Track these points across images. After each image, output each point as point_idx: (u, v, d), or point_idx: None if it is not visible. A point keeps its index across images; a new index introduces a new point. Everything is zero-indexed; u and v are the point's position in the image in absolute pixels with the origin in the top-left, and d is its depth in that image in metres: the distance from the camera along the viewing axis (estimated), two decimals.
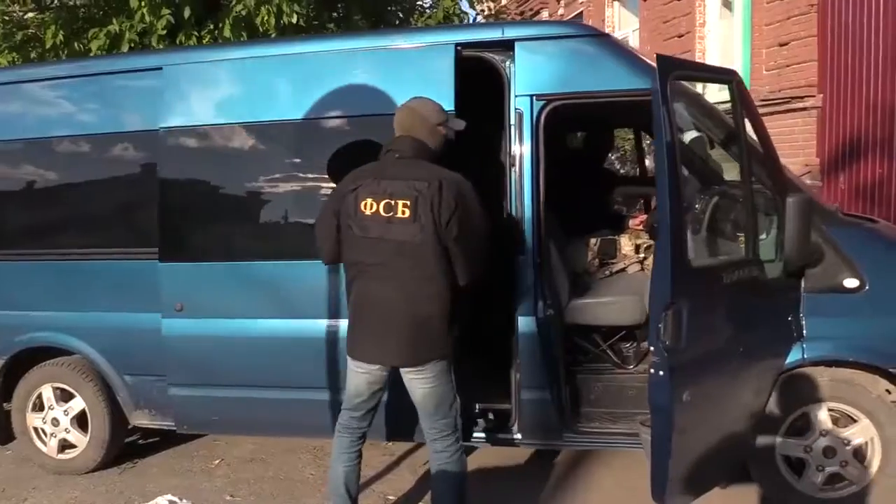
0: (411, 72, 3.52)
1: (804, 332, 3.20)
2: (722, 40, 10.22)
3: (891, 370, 3.17)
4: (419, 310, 2.89)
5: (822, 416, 3.23)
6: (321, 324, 3.58)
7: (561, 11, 15.65)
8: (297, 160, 3.69)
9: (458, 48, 3.49)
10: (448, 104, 3.27)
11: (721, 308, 2.93)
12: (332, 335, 3.54)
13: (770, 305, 3.17)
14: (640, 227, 4.38)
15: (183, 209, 3.83)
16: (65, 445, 4.25)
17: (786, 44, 8.51)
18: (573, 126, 5.05)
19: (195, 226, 3.83)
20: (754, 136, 3.24)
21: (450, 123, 3.11)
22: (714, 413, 2.92)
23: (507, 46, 3.50)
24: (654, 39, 11.49)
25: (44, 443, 4.26)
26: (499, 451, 3.94)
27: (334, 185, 3.25)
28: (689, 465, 2.82)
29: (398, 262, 2.89)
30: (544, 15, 16.37)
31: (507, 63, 3.49)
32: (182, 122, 3.77)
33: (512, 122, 3.46)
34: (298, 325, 3.62)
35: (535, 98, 3.42)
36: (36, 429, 4.25)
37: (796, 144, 8.31)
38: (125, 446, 4.38)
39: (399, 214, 2.85)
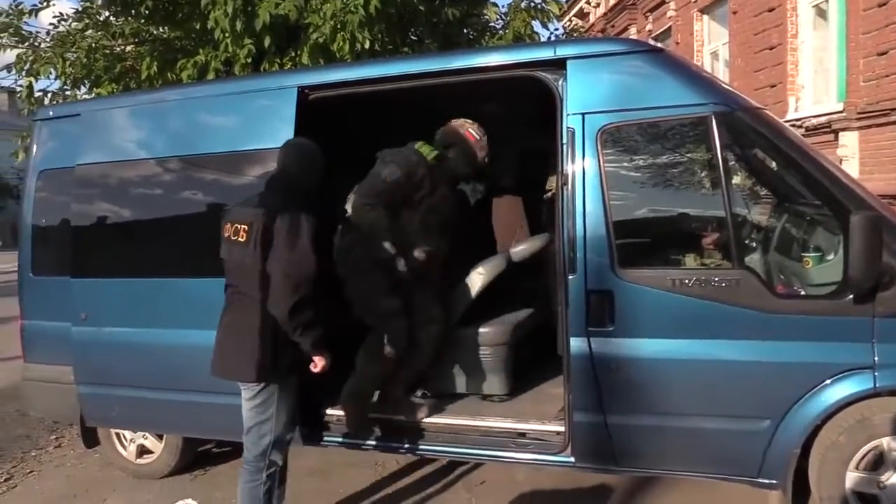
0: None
1: (875, 358, 3.00)
2: (816, 51, 9.78)
3: None
4: (240, 328, 3.16)
5: None
6: (194, 333, 3.73)
7: (649, 27, 15.37)
8: (176, 194, 4.14)
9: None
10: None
11: None
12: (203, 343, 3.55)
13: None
14: (712, 247, 4.24)
15: (87, 233, 4.29)
16: (143, 451, 4.50)
17: (884, 53, 8.05)
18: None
19: (94, 247, 4.29)
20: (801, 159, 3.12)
21: None
22: None
23: (559, 65, 3.48)
24: (745, 52, 11.11)
25: (124, 447, 4.53)
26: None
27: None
28: None
29: (235, 282, 3.22)
30: (632, 31, 16.11)
31: (560, 82, 3.47)
32: (88, 159, 4.30)
33: (564, 140, 3.43)
34: (179, 334, 3.94)
35: (586, 116, 3.39)
36: (117, 434, 4.52)
37: None
38: (200, 454, 4.59)
39: (239, 238, 3.15)
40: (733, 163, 3.32)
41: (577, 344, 3.32)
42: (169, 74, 6.64)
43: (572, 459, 3.45)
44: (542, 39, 7.65)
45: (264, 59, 6.48)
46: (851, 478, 3.07)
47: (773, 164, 3.34)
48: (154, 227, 4.22)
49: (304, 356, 3.19)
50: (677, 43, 13.69)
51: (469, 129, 4.02)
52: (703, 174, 3.36)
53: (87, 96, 7.03)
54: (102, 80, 6.74)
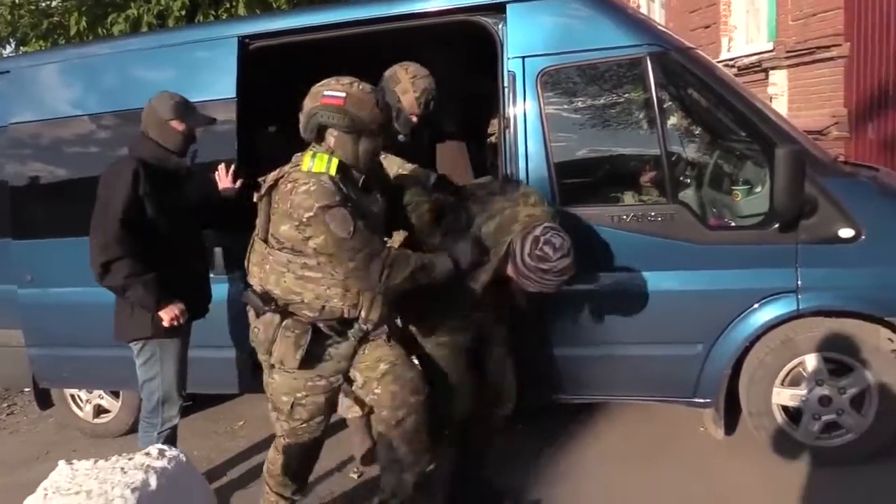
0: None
1: (799, 282, 3.22)
2: None
3: (888, 319, 3.18)
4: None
5: (819, 365, 3.26)
6: None
7: None
8: (113, 151, 3.91)
9: None
10: None
11: None
12: None
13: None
14: (649, 184, 4.40)
15: (25, 194, 4.24)
16: (100, 410, 4.51)
17: None
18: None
19: (34, 208, 4.24)
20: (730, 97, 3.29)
21: (187, 119, 3.28)
22: None
23: (500, 10, 3.53)
24: None
25: (80, 408, 4.53)
26: None
27: None
28: None
29: None
30: None
31: (501, 26, 3.53)
32: (21, 118, 4.18)
33: (505, 84, 3.50)
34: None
35: (526, 59, 3.46)
36: (73, 395, 4.53)
37: (824, 95, 8.14)
38: None
39: None
40: (668, 102, 3.46)
41: None
42: (100, 30, 6.45)
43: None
44: None
45: (199, 11, 6.34)
46: (777, 393, 3.32)
47: (705, 103, 3.48)
48: (92, 186, 4.14)
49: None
50: None
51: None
52: (639, 114, 3.49)
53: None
54: (29, 37, 6.52)
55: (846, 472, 3.24)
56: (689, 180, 3.53)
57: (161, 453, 1.71)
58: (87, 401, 4.50)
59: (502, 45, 3.50)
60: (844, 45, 7.81)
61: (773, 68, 8.84)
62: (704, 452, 3.57)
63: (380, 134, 2.69)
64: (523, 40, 3.44)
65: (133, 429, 4.43)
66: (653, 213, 3.30)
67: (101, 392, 4.47)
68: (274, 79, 4.12)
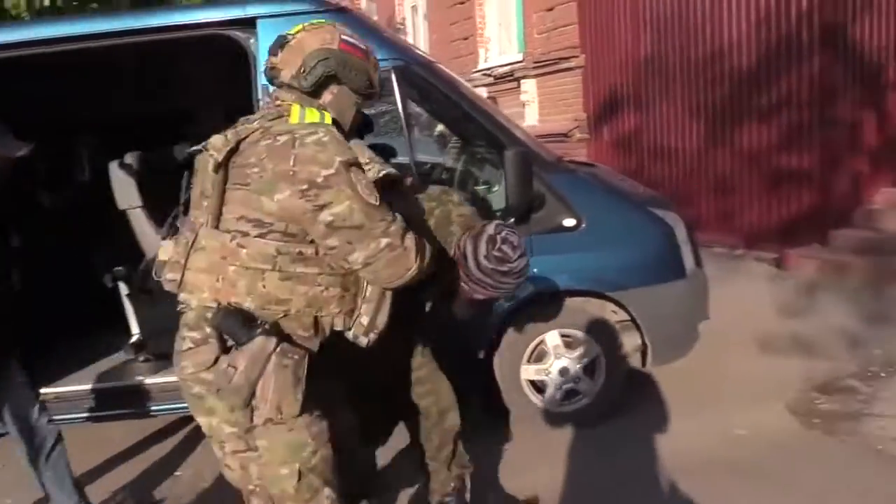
0: None
1: (535, 269, 3.64)
2: (500, 6, 10.83)
3: (608, 294, 3.71)
4: None
5: (556, 340, 3.72)
6: None
7: None
8: None
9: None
10: None
11: None
12: None
13: None
14: None
15: None
16: None
17: (552, 8, 9.20)
18: None
19: None
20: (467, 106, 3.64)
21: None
22: None
23: (251, 24, 3.61)
24: (440, 6, 11.93)
25: None
26: None
27: None
28: None
29: None
30: None
31: (252, 40, 3.61)
32: None
33: (259, 97, 3.59)
34: None
35: None
36: None
37: (567, 102, 9.09)
38: None
39: None
40: (414, 111, 3.75)
41: None
42: None
43: None
44: None
45: None
46: (525, 370, 3.74)
47: (445, 111, 3.82)
48: None
49: None
50: None
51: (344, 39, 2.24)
52: (389, 124, 3.74)
53: None
54: None
55: (586, 432, 3.72)
56: (434, 183, 3.84)
57: None
58: None
59: (255, 59, 3.58)
60: (581, 57, 8.79)
61: (523, 77, 9.70)
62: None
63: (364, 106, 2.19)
64: None
65: None
66: None
67: None
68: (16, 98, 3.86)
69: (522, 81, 9.71)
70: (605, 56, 8.47)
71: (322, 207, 1.83)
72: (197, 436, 3.96)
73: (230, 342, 1.87)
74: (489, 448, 3.56)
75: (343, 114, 2.08)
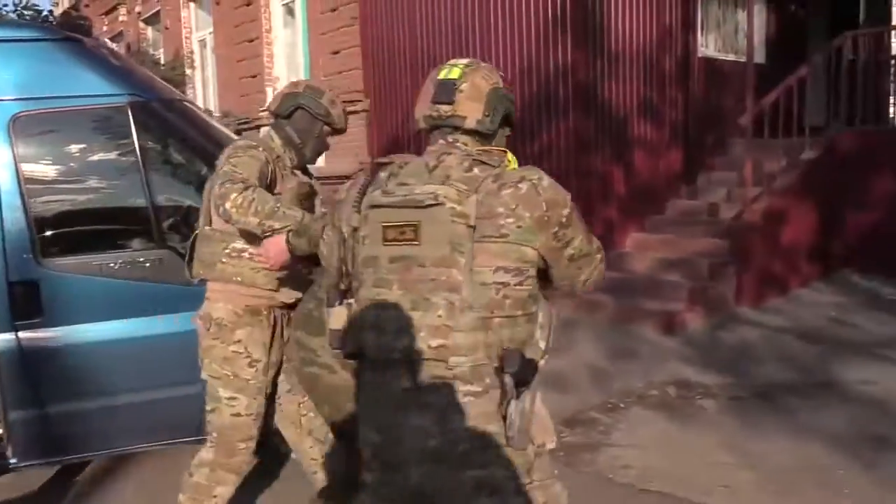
0: None
1: None
2: (287, 47, 10.79)
3: None
4: None
5: None
6: None
7: (138, 9, 14.96)
8: None
9: None
10: None
11: None
12: None
13: None
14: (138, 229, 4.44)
15: None
16: None
17: (337, 52, 9.32)
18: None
19: None
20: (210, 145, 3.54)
21: None
22: None
23: None
24: (228, 43, 11.66)
25: None
26: None
27: None
28: None
29: None
30: (122, 11, 15.48)
31: None
32: None
33: None
34: None
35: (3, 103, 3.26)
36: None
37: (353, 145, 9.18)
38: None
39: None
40: (152, 149, 3.55)
41: (4, 340, 3.21)
42: None
43: (14, 461, 3.33)
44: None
45: None
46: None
47: (186, 149, 3.65)
48: None
49: None
50: (167, 28, 13.64)
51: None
52: (123, 161, 3.50)
53: None
54: None
55: None
56: (177, 224, 3.65)
57: None
58: None
59: None
60: (365, 101, 8.94)
61: None
62: None
63: None
64: None
65: None
66: (142, 259, 3.35)
67: None
68: None
69: None
70: (387, 100, 8.69)
71: (568, 243, 1.95)
72: None
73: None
74: None
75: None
